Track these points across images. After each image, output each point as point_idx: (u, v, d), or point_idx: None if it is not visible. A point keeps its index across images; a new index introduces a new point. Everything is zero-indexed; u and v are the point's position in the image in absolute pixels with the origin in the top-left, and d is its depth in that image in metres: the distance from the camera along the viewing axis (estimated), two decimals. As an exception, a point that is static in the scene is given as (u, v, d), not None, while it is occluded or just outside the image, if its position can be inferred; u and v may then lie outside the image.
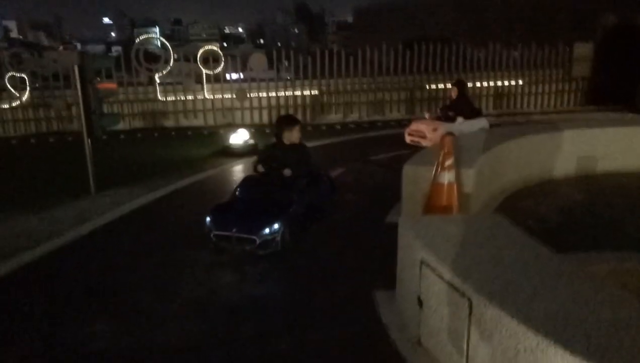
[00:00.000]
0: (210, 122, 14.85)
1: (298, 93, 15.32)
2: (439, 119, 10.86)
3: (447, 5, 62.51)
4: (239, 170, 9.50)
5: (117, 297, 4.54)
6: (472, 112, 10.87)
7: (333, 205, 6.67)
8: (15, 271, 5.15)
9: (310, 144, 9.77)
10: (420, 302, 3.55)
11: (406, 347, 3.66)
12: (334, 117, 15.54)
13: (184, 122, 14.78)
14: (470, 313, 2.92)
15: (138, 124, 14.40)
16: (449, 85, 16.07)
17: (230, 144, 10.80)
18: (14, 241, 5.95)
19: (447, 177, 4.84)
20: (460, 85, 11.26)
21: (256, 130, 12.51)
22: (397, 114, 15.97)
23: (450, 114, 10.67)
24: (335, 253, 5.43)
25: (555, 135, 8.29)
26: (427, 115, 11.35)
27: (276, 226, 5.16)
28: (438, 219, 4.04)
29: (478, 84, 16.19)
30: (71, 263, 5.38)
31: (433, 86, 16.06)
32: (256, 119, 15.08)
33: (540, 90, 16.67)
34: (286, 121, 6.13)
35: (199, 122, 14.82)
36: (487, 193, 6.89)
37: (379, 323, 4.00)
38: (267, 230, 5.13)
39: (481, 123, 10.71)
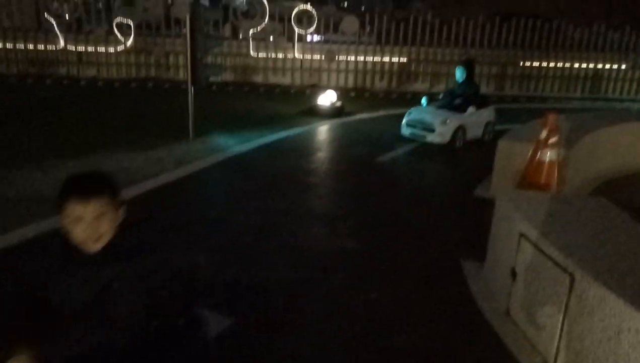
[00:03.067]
0: (297, 81, 15.09)
1: (386, 59, 15.20)
2: (443, 107, 8.76)
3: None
4: (324, 130, 9.71)
5: (219, 234, 4.91)
6: (481, 100, 8.93)
7: None
8: (127, 201, 5.63)
9: (396, 111, 9.76)
10: (513, 274, 3.62)
11: (494, 316, 3.76)
12: (420, 86, 15.33)
13: (272, 78, 15.11)
14: (570, 289, 2.97)
15: (229, 77, 14.87)
16: (544, 64, 15.45)
17: (318, 104, 11.00)
18: (124, 175, 6.47)
19: (549, 155, 4.78)
20: (469, 65, 8.99)
21: (342, 93, 12.62)
22: (485, 88, 15.47)
23: (457, 101, 8.64)
24: (423, 222, 5.54)
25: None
26: (423, 101, 9.03)
27: None
28: (539, 195, 4.05)
29: (576, 65, 15.39)
30: (175, 200, 5.84)
31: (527, 63, 15.42)
32: (341, 82, 15.16)
33: (645, 76, 15.60)
34: (74, 187, 1.81)
35: (286, 80, 15.10)
36: (581, 178, 6.71)
37: (467, 291, 4.11)
38: None
39: (490, 114, 9.04)
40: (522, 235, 3.53)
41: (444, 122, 8.24)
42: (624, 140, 7.52)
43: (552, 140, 4.78)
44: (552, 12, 33.89)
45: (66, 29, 14.47)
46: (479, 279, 4.27)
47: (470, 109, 8.47)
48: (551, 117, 5.13)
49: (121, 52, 14.51)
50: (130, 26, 14.31)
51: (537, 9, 36.07)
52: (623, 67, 15.47)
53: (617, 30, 15.39)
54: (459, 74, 8.87)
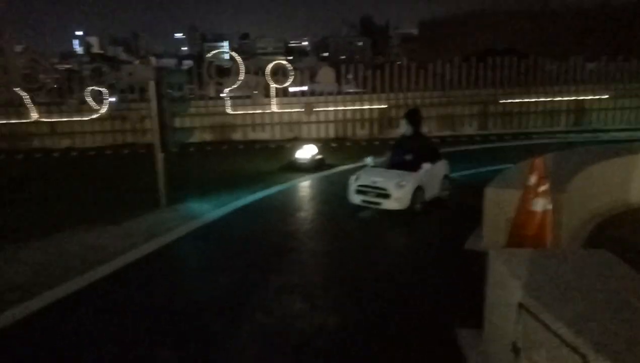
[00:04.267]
0: (277, 135, 14.86)
1: (366, 107, 15.05)
2: (393, 165, 7.63)
3: (515, 16, 60.76)
4: (305, 186, 9.31)
5: (185, 322, 4.39)
6: (433, 153, 7.73)
7: None
8: (87, 288, 5.13)
9: (379, 159, 9.46)
10: (516, 350, 3.13)
11: (498, 399, 3.26)
12: (402, 131, 15.13)
13: (251, 135, 14.88)
14: (585, 373, 2.49)
15: (207, 136, 14.64)
16: (526, 99, 15.36)
17: (297, 159, 10.67)
18: (91, 254, 5.99)
19: (541, 204, 4.35)
20: (415, 117, 7.81)
21: (323, 144, 12.36)
22: (468, 129, 15.35)
23: (408, 157, 7.48)
24: (412, 285, 5.05)
25: (653, 157, 7.54)
26: (369, 161, 7.83)
27: None
28: (536, 254, 3.60)
29: (557, 98, 15.33)
30: (141, 282, 5.31)
31: (508, 100, 15.34)
32: (322, 133, 14.95)
33: (626, 104, 15.54)
34: None
35: (266, 135, 14.88)
36: (577, 220, 6.30)
37: (465, 366, 3.61)
38: None
39: (444, 167, 7.93)
40: (521, 305, 3.07)
41: (399, 185, 6.97)
42: (616, 176, 7.18)
43: (543, 188, 4.36)
44: (526, 47, 34.74)
45: (39, 101, 14.28)
46: (477, 351, 3.77)
47: (425, 166, 7.26)
48: (538, 162, 4.74)
49: (95, 120, 14.27)
50: (102, 93, 14.10)
51: (512, 45, 36.97)
52: (605, 96, 15.41)
53: (594, 61, 15.42)
54: (405, 127, 7.75)
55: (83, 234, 6.75)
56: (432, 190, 7.51)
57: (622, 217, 6.87)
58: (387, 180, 7.11)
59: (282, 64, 15.21)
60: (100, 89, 14.17)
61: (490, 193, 5.78)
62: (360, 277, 5.23)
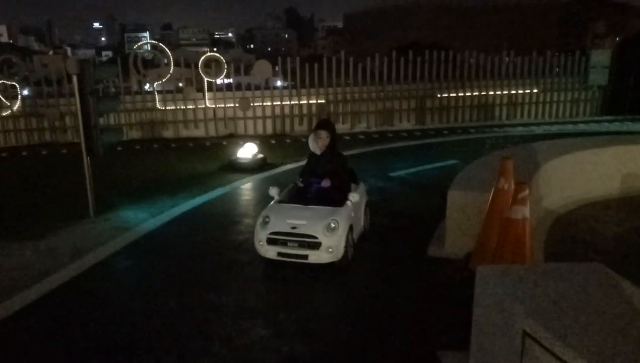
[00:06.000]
0: (212, 132, 14.09)
1: (304, 102, 14.58)
2: (308, 198, 5.43)
3: (437, 11, 62.56)
4: (249, 188, 8.73)
5: (128, 360, 3.76)
6: (352, 177, 5.98)
7: None
8: (5, 321, 4.34)
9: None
10: (520, 384, 2.81)
11: None
12: (341, 127, 14.81)
13: (184, 132, 14.00)
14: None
15: (135, 134, 13.61)
16: (460, 93, 15.49)
17: (238, 158, 10.05)
18: (5, 278, 5.15)
19: (522, 212, 4.10)
20: (331, 128, 5.73)
21: (261, 141, 11.79)
22: (407, 124, 15.29)
23: (326, 185, 5.42)
24: (380, 301, 4.65)
25: (598, 152, 7.64)
26: (274, 192, 5.54)
27: None
28: (529, 271, 3.30)
29: (491, 92, 15.59)
30: (71, 309, 4.57)
31: (444, 94, 15.42)
32: (260, 129, 14.34)
33: (554, 98, 16.08)
34: None
35: (199, 132, 14.06)
36: (534, 219, 6.19)
37: (455, 398, 3.26)
38: None
39: (364, 193, 6.12)
40: (526, 334, 2.74)
41: (329, 228, 4.95)
42: (565, 172, 7.19)
43: (522, 194, 4.11)
44: (449, 42, 35.56)
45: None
46: (466, 379, 3.44)
47: (353, 196, 5.41)
48: (508, 164, 4.51)
49: (7, 117, 12.84)
50: (16, 87, 12.71)
51: (435, 40, 37.77)
52: (535, 91, 15.86)
53: (525, 57, 15.79)
54: (321, 139, 5.60)
55: (-3, 253, 5.84)
56: (359, 227, 5.72)
57: (574, 214, 6.87)
58: (312, 222, 5.01)
59: (215, 56, 14.42)
60: (11, 82, 12.75)
61: (455, 197, 5.51)
62: (324, 294, 4.79)
